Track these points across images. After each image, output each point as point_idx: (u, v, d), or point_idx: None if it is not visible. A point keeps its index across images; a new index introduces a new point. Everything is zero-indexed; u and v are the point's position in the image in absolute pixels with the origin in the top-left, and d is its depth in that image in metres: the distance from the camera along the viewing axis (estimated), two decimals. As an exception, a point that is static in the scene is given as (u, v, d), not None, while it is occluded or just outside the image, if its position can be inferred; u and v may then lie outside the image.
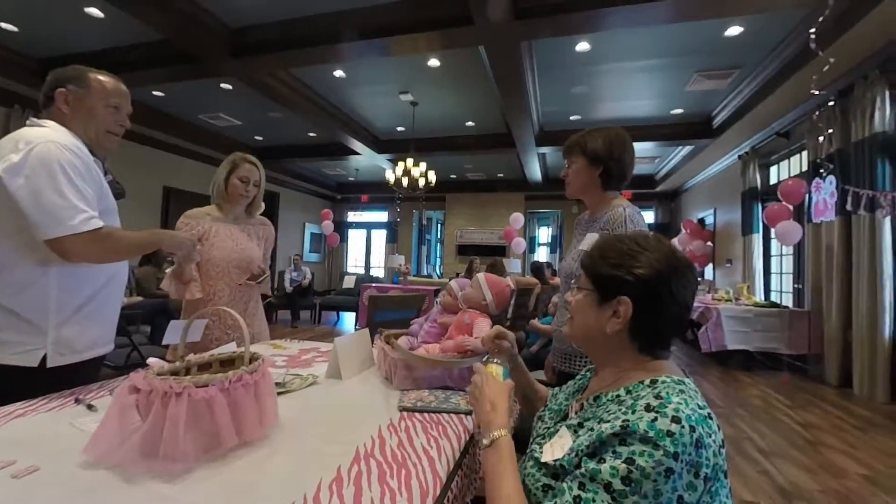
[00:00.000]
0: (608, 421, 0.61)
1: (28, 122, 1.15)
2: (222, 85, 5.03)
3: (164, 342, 1.22)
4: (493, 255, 8.78)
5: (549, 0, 3.23)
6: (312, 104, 5.44)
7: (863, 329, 3.54)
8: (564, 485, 0.60)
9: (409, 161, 5.99)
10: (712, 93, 4.93)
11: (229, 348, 1.32)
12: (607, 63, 4.31)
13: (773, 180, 5.53)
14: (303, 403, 1.04)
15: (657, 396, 0.60)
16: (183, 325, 0.90)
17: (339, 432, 0.86)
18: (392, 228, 10.86)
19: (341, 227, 11.04)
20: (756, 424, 2.92)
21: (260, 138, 7.34)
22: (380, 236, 11.59)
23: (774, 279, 5.64)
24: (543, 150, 6.73)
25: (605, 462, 0.56)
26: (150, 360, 0.96)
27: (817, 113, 3.99)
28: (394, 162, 6.86)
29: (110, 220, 1.18)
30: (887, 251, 3.44)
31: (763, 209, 4.92)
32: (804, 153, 4.63)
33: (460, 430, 0.91)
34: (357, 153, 7.32)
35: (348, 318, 7.59)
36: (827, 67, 2.89)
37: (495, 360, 0.90)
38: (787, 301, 5.14)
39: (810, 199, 4.04)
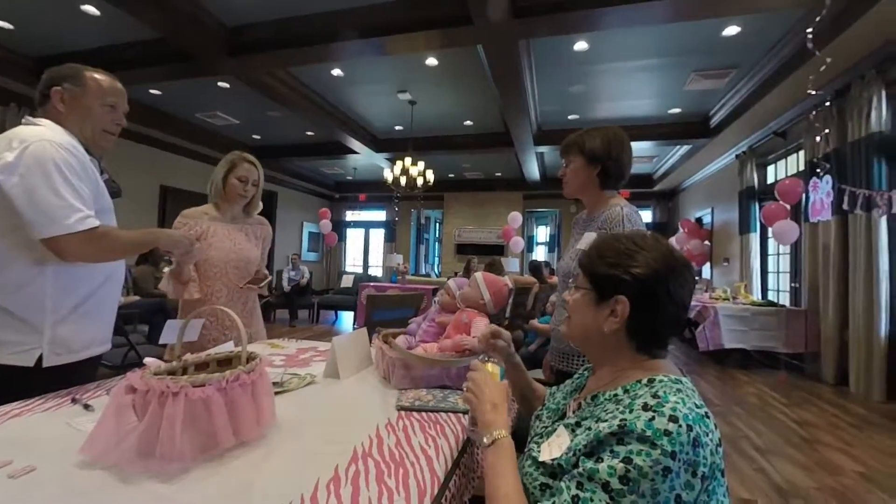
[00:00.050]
0: (606, 420, 0.61)
1: (23, 120, 1.14)
2: (220, 83, 5.01)
3: (161, 342, 1.21)
4: (492, 254, 8.78)
5: (547, -1, 3.23)
6: (310, 103, 5.42)
7: (859, 328, 3.56)
8: (562, 484, 0.60)
9: (408, 160, 5.99)
10: (710, 92, 4.94)
11: (226, 348, 1.32)
12: (605, 62, 4.31)
13: (770, 180, 5.55)
14: (300, 403, 1.04)
15: (654, 395, 0.60)
16: (179, 325, 0.89)
17: (337, 432, 0.86)
18: (390, 227, 10.85)
19: (339, 227, 11.03)
20: (753, 422, 2.93)
21: (258, 137, 7.32)
22: (378, 235, 11.57)
23: (771, 278, 5.66)
24: (541, 149, 6.73)
25: (602, 461, 0.56)
26: (147, 360, 0.95)
27: (814, 112, 4.00)
28: (392, 161, 6.85)
29: (106, 220, 1.17)
30: (883, 250, 3.46)
31: (760, 208, 4.94)
32: (801, 153, 4.65)
33: (458, 429, 0.91)
34: (355, 152, 7.31)
35: (346, 318, 7.59)
36: (824, 67, 2.89)
37: (493, 360, 0.90)
38: (784, 300, 5.16)
39: (807, 198, 4.05)
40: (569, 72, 4.54)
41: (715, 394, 3.64)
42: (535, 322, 2.98)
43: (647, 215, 9.30)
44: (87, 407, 0.93)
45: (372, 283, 6.56)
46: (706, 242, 7.16)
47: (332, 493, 0.64)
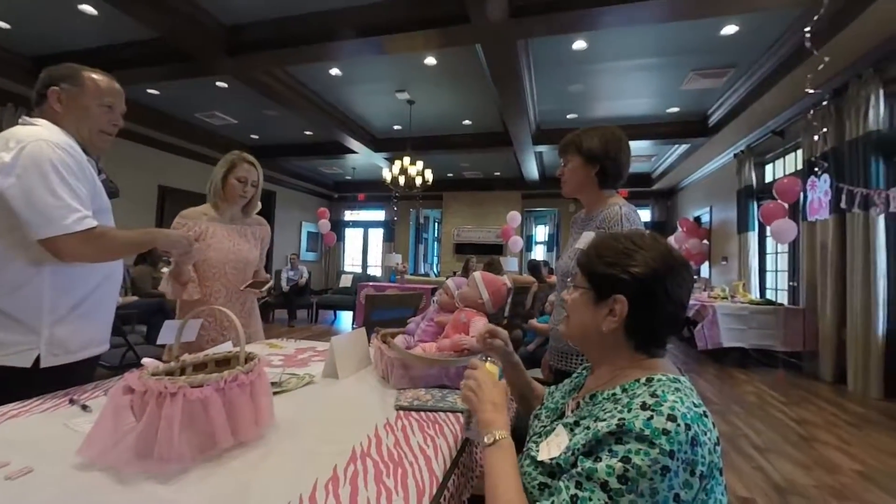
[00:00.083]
0: (604, 419, 0.61)
1: (20, 120, 1.13)
2: (218, 83, 5.00)
3: (159, 342, 1.21)
4: (491, 253, 8.78)
5: (545, -2, 3.23)
6: (309, 102, 5.42)
7: (857, 326, 3.57)
8: (561, 483, 0.60)
9: (406, 160, 5.98)
10: (708, 91, 4.94)
11: (225, 348, 1.32)
12: (604, 62, 4.31)
13: (768, 178, 5.56)
14: (299, 403, 1.03)
15: (653, 395, 0.60)
16: (177, 325, 0.89)
17: (336, 432, 0.86)
18: (389, 227, 10.85)
19: (338, 226, 11.02)
20: (751, 421, 2.93)
21: (256, 137, 7.31)
22: (377, 235, 11.57)
23: (770, 277, 5.67)
24: (540, 148, 6.73)
25: (601, 461, 0.57)
26: (145, 360, 0.95)
27: (812, 111, 4.01)
28: (391, 160, 6.85)
29: (104, 220, 1.17)
30: (881, 249, 3.46)
31: (758, 207, 4.95)
32: (799, 151, 4.66)
33: (457, 429, 0.91)
34: (354, 152, 7.30)
35: (345, 317, 7.58)
36: (822, 66, 2.90)
37: (491, 360, 0.90)
38: (783, 299, 5.17)
39: (805, 197, 4.06)
40: (567, 71, 4.54)
41: (713, 392, 3.64)
42: (533, 321, 2.99)
43: (645, 214, 9.31)
44: (84, 408, 0.93)
45: (371, 283, 6.57)
46: (704, 241, 7.17)
47: (331, 493, 0.63)
